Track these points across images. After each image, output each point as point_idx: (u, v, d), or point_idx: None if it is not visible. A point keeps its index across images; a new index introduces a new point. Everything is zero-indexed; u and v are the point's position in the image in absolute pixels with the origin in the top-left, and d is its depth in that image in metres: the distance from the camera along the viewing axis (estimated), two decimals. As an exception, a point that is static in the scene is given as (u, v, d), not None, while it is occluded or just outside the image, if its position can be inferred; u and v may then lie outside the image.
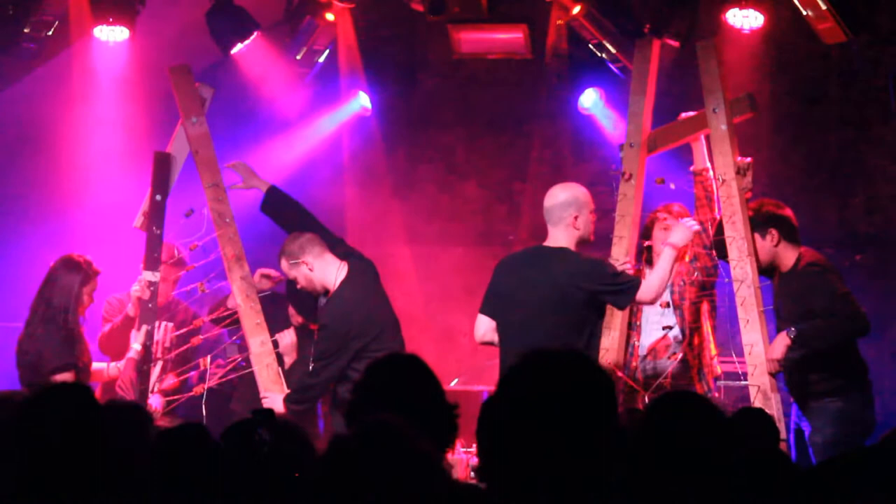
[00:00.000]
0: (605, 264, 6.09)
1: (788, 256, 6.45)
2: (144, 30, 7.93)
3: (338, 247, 6.73)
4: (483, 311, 6.13)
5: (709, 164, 6.71)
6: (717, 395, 6.86)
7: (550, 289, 5.88)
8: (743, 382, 6.30)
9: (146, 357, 6.69)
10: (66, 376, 6.40)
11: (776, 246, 6.44)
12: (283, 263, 6.64)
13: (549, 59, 9.04)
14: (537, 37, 8.84)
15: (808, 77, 9.07)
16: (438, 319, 9.39)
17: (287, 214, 6.90)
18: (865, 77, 8.94)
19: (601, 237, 6.60)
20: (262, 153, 8.70)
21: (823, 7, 7.19)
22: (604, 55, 8.21)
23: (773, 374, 6.21)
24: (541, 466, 2.61)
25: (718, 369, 6.87)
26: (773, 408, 6.08)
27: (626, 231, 6.65)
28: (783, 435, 5.82)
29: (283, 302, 7.10)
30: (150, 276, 6.79)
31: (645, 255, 6.71)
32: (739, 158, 6.44)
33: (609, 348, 6.45)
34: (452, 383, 8.36)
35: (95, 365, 6.81)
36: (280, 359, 6.83)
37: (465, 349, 8.80)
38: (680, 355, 6.70)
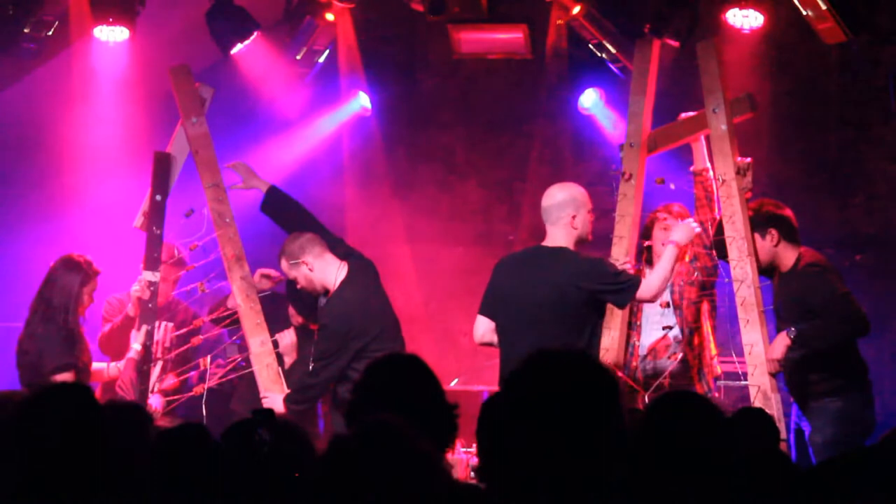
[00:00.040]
0: (606, 263, 6.09)
1: (788, 256, 6.45)
2: (144, 30, 7.93)
3: (338, 247, 6.73)
4: (482, 312, 6.12)
5: (709, 164, 6.71)
6: (717, 395, 6.86)
7: (550, 289, 5.88)
8: (743, 382, 6.30)
9: (146, 357, 6.70)
10: (66, 376, 6.40)
11: (776, 246, 6.44)
12: (283, 263, 6.64)
13: (549, 59, 9.04)
14: (537, 37, 8.83)
15: (808, 77, 9.07)
16: (438, 319, 9.39)
17: (287, 214, 6.90)
18: (865, 77, 8.94)
19: (601, 237, 6.60)
20: (262, 153, 8.70)
21: (823, 7, 7.19)
22: (604, 55, 8.21)
23: (773, 374, 6.21)
24: (541, 466, 2.61)
25: (718, 369, 6.87)
26: (773, 408, 6.08)
27: (626, 231, 6.65)
28: (783, 435, 5.82)
29: (283, 302, 7.10)
30: (150, 276, 6.79)
31: (645, 255, 6.71)
32: (739, 158, 6.44)
33: (609, 348, 6.45)
34: (452, 383, 8.36)
35: (95, 365, 6.81)
36: (280, 359, 6.83)
37: (465, 349, 8.80)
38: (680, 355, 6.70)
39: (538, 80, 9.37)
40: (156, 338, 6.80)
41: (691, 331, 6.74)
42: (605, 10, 8.07)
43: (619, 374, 6.50)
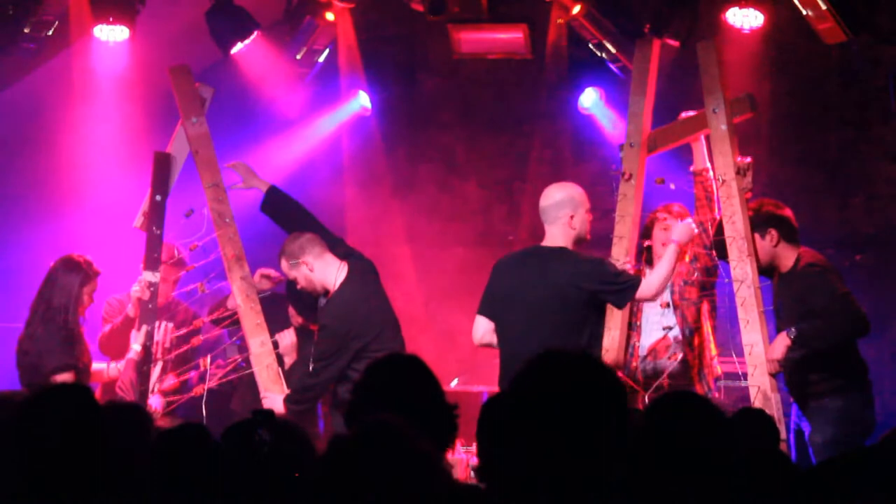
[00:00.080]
0: (606, 263, 6.09)
1: (788, 257, 6.45)
2: (144, 30, 7.93)
3: (338, 247, 6.73)
4: (481, 313, 6.12)
5: (709, 164, 6.71)
6: (717, 395, 6.86)
7: (550, 289, 5.87)
8: (743, 383, 6.30)
9: (146, 357, 6.69)
10: (65, 377, 6.40)
11: (776, 246, 6.43)
12: (283, 263, 6.64)
13: (549, 59, 9.04)
14: (537, 37, 8.83)
15: (808, 77, 9.07)
16: (438, 319, 9.39)
17: (287, 214, 6.90)
18: (865, 77, 8.94)
19: (601, 237, 6.60)
20: (262, 153, 8.70)
21: (823, 7, 7.19)
22: (604, 55, 8.22)
23: (773, 375, 6.21)
24: (541, 466, 2.61)
25: (718, 369, 6.87)
26: (773, 408, 6.08)
27: (626, 231, 6.64)
28: (783, 435, 5.82)
29: (283, 302, 7.10)
30: (150, 276, 6.79)
31: (645, 255, 6.71)
32: (739, 158, 6.44)
33: (609, 348, 6.45)
34: (452, 383, 8.36)
35: (95, 365, 6.81)
36: (280, 359, 6.83)
37: (465, 349, 8.78)
38: (680, 356, 6.70)
39: (538, 79, 9.38)
40: (156, 338, 6.79)
41: (691, 331, 6.74)
42: (605, 10, 8.07)
43: (620, 374, 6.51)
